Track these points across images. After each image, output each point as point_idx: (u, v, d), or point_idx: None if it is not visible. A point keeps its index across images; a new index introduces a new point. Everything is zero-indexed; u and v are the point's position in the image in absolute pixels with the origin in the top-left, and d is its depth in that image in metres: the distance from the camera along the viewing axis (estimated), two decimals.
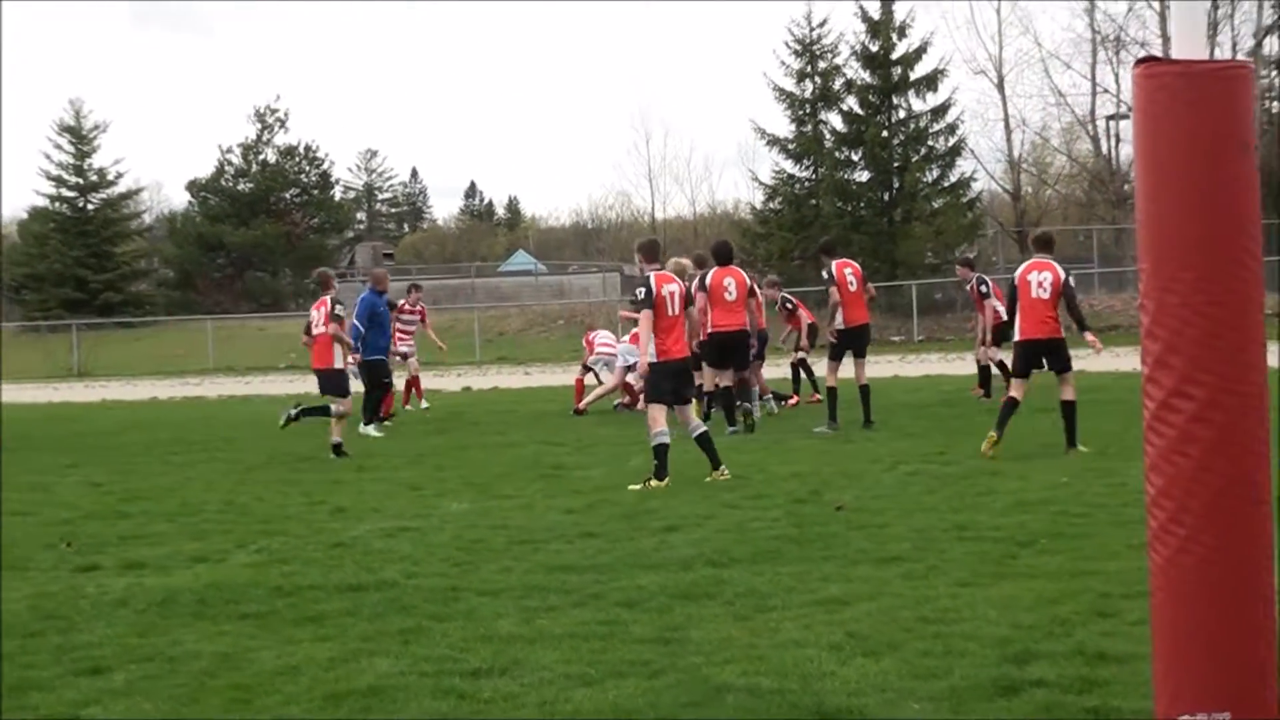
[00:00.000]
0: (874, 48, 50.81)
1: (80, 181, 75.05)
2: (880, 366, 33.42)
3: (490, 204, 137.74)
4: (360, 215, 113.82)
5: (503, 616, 7.56)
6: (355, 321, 19.28)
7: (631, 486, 12.66)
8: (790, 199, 52.90)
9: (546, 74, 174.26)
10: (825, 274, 17.68)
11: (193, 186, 79.90)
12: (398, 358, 23.00)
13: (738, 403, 17.56)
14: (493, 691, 6.14)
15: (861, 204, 51.55)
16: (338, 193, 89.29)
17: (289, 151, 79.14)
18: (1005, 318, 15.76)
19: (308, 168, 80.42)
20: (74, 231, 72.67)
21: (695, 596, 7.88)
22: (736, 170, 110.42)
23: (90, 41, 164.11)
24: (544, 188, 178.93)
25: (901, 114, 51.10)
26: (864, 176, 51.77)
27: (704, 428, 13.37)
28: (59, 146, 75.12)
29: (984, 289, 20.71)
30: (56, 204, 75.21)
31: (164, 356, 50.08)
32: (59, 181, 75.01)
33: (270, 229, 74.17)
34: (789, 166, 53.37)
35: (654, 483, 12.66)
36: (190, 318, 61.31)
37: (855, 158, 51.82)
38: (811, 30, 53.14)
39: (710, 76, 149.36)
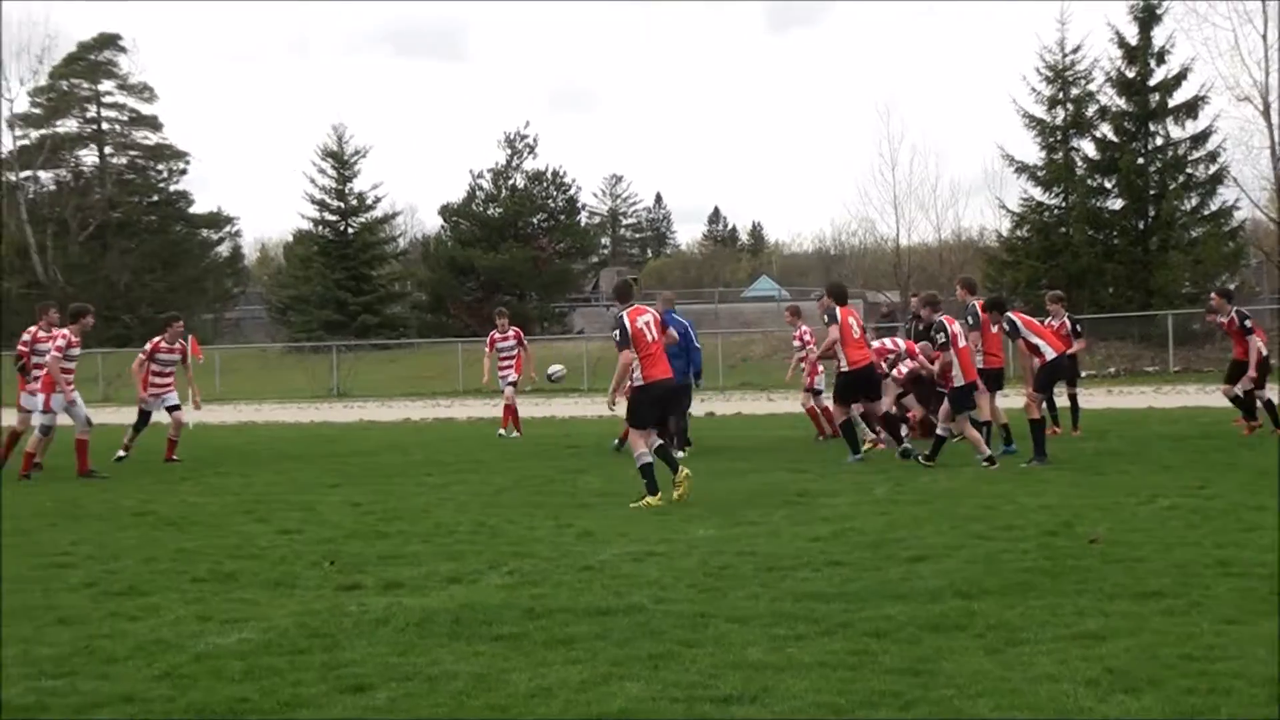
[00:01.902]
0: (1130, 74, 49.79)
1: (341, 205, 77.60)
2: (1134, 397, 32.63)
3: (734, 229, 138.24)
4: (605, 240, 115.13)
5: (752, 644, 7.58)
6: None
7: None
8: (1039, 227, 52.06)
9: (790, 100, 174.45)
10: (826, 317, 17.88)
11: (445, 211, 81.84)
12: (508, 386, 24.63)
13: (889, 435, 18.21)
14: (744, 718, 6.17)
15: (1114, 232, 50.47)
16: (583, 218, 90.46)
17: (537, 177, 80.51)
18: (1264, 353, 15.32)
19: (555, 193, 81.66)
20: (335, 255, 75.10)
21: (945, 628, 7.80)
22: (983, 197, 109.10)
23: (356, 71, 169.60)
24: (787, 213, 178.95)
25: (1159, 140, 49.87)
26: (1117, 204, 50.72)
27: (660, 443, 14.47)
28: (322, 171, 77.91)
29: (1246, 323, 20.00)
30: (319, 227, 77.97)
31: (416, 378, 51.37)
32: (322, 205, 77.74)
33: (518, 253, 75.45)
34: (1038, 194, 52.59)
35: (649, 500, 13.79)
36: (441, 340, 62.67)
37: (1108, 185, 50.79)
38: (1064, 56, 52.30)
39: (957, 103, 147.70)
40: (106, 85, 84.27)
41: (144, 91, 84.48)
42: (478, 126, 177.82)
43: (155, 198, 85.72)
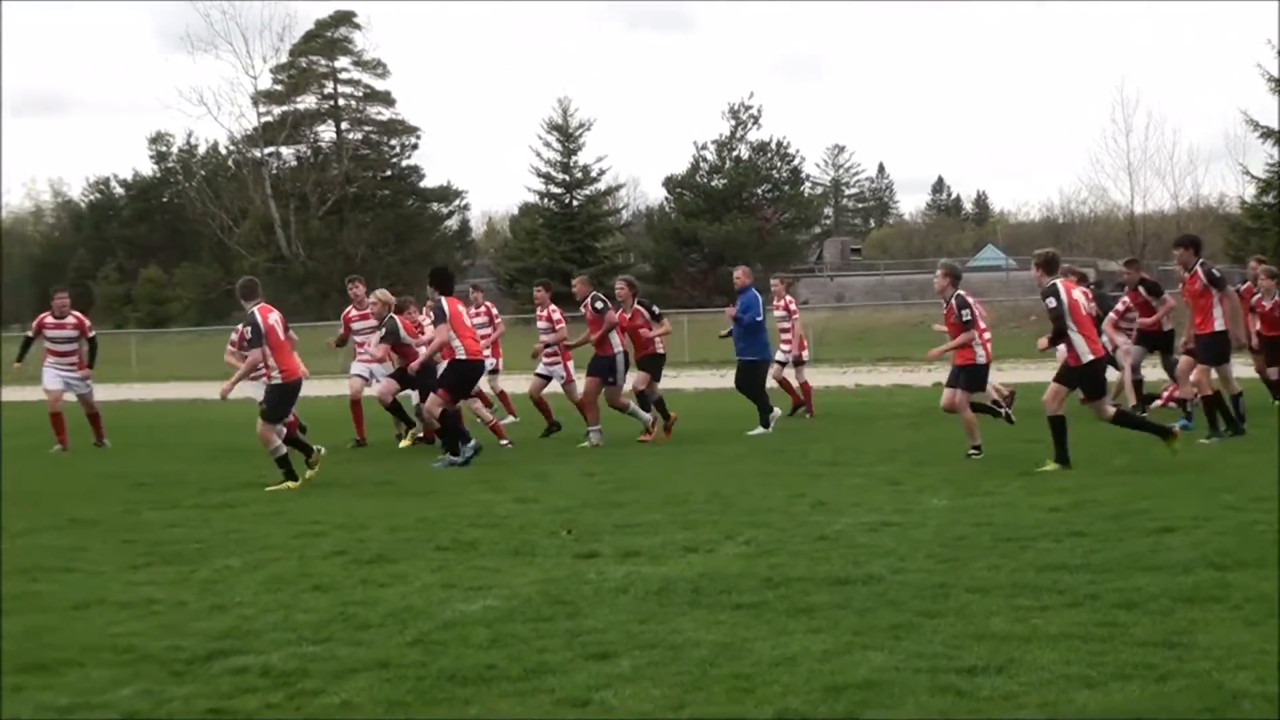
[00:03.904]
0: None
1: (566, 178, 78.57)
2: None
3: (957, 199, 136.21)
4: (827, 211, 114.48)
5: (995, 614, 7.49)
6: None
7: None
8: None
9: (1015, 68, 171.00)
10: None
11: (669, 183, 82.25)
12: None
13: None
14: (991, 690, 6.11)
15: None
16: (806, 188, 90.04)
17: (761, 147, 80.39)
18: None
19: (779, 163, 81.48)
20: (560, 227, 76.09)
21: (1199, 600, 7.61)
22: (1223, 163, 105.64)
23: (586, 44, 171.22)
24: (1013, 182, 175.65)
25: None
26: None
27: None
28: (548, 144, 78.99)
29: None
30: (545, 200, 79.09)
31: None
32: (547, 178, 78.84)
33: (742, 224, 75.43)
34: None
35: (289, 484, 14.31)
36: (666, 311, 62.71)
37: None
38: None
39: (1196, 67, 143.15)
40: (342, 62, 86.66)
41: (377, 67, 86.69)
42: (702, 98, 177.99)
43: (388, 172, 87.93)
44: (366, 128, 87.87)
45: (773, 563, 9.31)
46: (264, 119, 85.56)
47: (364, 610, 8.16)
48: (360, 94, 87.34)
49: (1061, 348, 14.43)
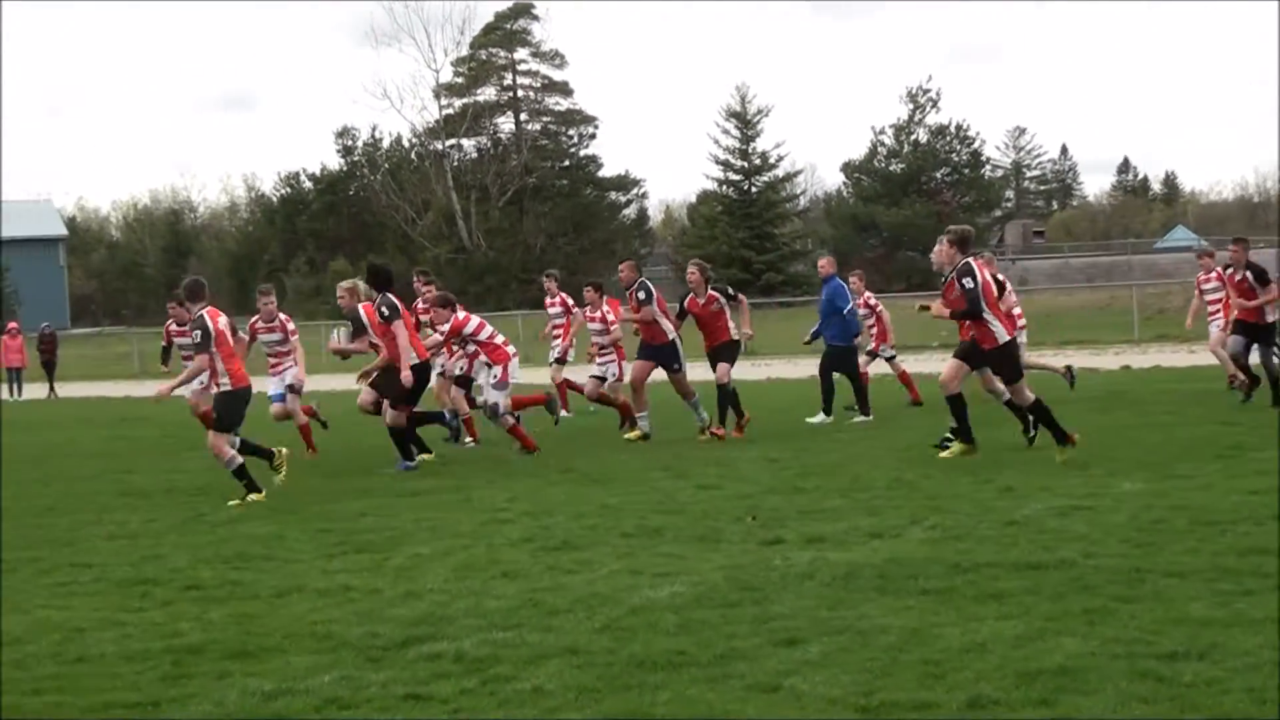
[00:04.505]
0: None
1: (745, 165, 78.58)
2: None
3: (1144, 179, 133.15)
4: (1009, 193, 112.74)
5: (1194, 599, 7.33)
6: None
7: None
8: None
9: (1207, 43, 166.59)
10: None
11: (847, 168, 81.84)
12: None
13: None
14: (1193, 675, 5.98)
15: None
16: (987, 171, 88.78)
17: (940, 131, 79.52)
18: None
19: (958, 146, 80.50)
20: (739, 214, 76.16)
21: None
22: None
23: (765, 29, 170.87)
24: (1203, 161, 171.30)
25: None
26: None
27: None
28: (726, 131, 79.10)
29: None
30: (723, 187, 79.23)
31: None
32: (725, 165, 78.94)
33: (921, 208, 74.73)
34: None
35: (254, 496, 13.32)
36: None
37: None
38: None
39: None
40: (521, 53, 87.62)
41: (555, 58, 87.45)
42: (880, 82, 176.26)
43: (567, 162, 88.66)
44: (545, 118, 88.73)
45: (960, 548, 9.22)
46: (445, 111, 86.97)
47: (552, 597, 8.25)
48: (539, 85, 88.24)
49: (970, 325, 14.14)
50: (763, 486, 12.82)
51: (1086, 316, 47.19)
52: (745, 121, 78.81)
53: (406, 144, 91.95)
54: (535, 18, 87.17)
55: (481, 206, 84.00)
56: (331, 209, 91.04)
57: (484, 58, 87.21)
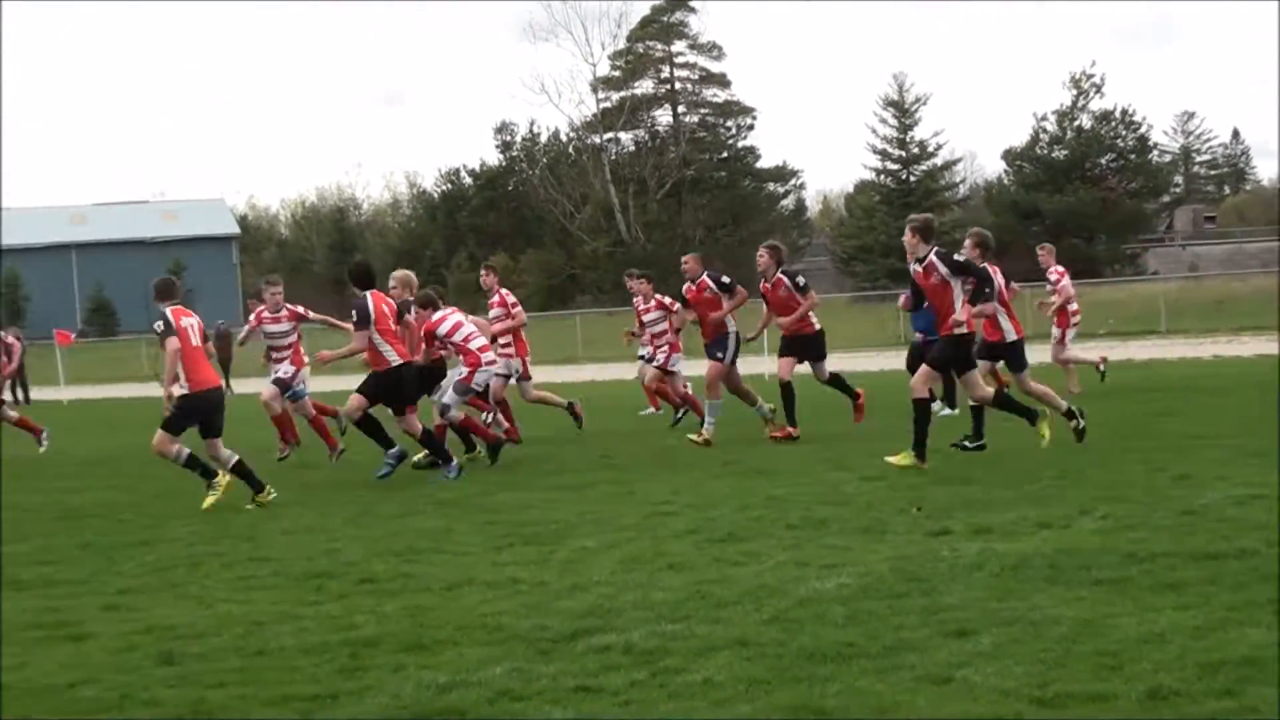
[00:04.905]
0: None
1: (903, 154, 78.07)
2: None
3: None
4: (1177, 179, 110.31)
5: None
6: None
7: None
8: None
9: None
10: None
11: (1008, 155, 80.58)
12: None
13: None
14: None
15: None
16: (1154, 156, 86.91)
17: (1104, 116, 77.94)
18: None
19: (1124, 132, 78.86)
20: (898, 203, 75.54)
21: None
22: None
23: (924, 18, 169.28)
24: None
25: None
26: None
27: None
28: (883, 120, 78.65)
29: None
30: (881, 176, 78.84)
31: None
32: (883, 155, 78.54)
33: (1085, 195, 73.36)
34: None
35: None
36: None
37: None
38: None
39: None
40: (678, 46, 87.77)
41: (712, 50, 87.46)
42: (1040, 68, 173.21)
43: (725, 154, 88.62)
44: (702, 110, 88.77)
45: (1133, 538, 9.06)
46: (603, 105, 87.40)
47: (719, 589, 8.26)
48: (696, 77, 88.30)
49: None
50: (927, 478, 12.71)
51: (1262, 303, 45.99)
52: (903, 110, 78.23)
53: (564, 138, 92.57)
54: (692, 10, 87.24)
55: (639, 199, 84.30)
56: (491, 204, 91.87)
57: (641, 51, 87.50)
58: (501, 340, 18.48)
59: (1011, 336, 15.39)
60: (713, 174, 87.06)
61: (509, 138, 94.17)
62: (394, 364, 14.82)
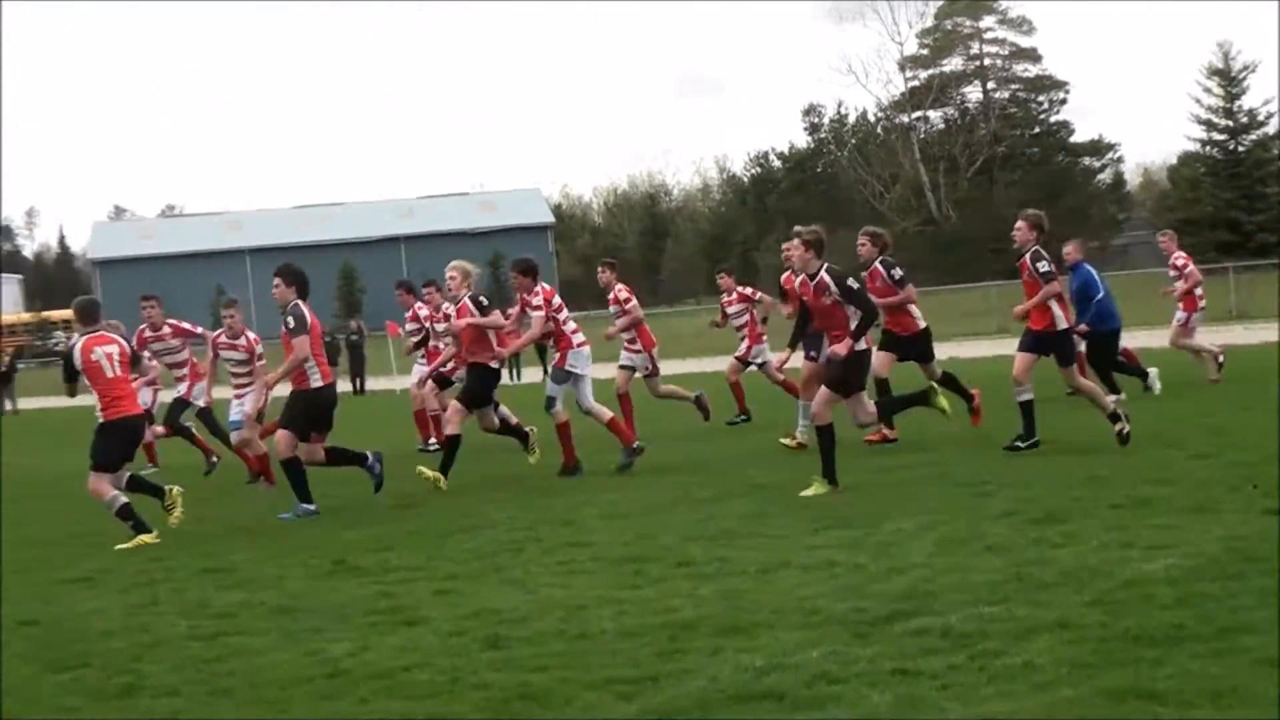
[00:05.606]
0: None
1: (1230, 124, 75.15)
2: None
3: None
4: None
5: None
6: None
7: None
8: None
9: None
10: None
11: None
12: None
13: None
14: None
15: None
16: None
17: None
18: None
19: None
20: (1224, 175, 72.90)
21: None
22: None
23: None
24: None
25: None
26: None
27: None
28: (1208, 90, 75.86)
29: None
30: (1207, 147, 76.08)
31: None
32: (1208, 125, 75.71)
33: None
34: None
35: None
36: None
37: None
38: None
39: None
40: (987, 21, 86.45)
41: (1022, 25, 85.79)
42: None
43: (1036, 130, 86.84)
44: (1013, 86, 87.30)
45: None
46: (910, 84, 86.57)
47: (1039, 570, 8.07)
48: (1006, 52, 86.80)
49: None
50: (1262, 454, 12.14)
51: None
52: (1229, 79, 75.28)
53: (872, 118, 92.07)
54: None
55: (950, 178, 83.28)
56: (800, 187, 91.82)
57: (949, 28, 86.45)
58: (625, 336, 18.57)
59: (1061, 325, 14.27)
60: (1025, 150, 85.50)
61: (817, 120, 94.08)
62: (318, 385, 13.50)
